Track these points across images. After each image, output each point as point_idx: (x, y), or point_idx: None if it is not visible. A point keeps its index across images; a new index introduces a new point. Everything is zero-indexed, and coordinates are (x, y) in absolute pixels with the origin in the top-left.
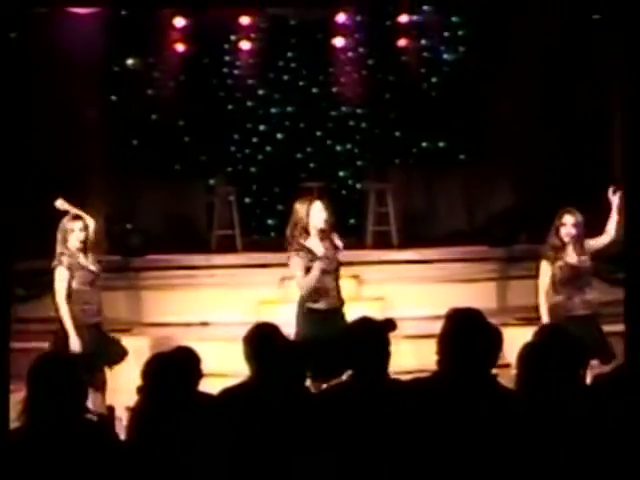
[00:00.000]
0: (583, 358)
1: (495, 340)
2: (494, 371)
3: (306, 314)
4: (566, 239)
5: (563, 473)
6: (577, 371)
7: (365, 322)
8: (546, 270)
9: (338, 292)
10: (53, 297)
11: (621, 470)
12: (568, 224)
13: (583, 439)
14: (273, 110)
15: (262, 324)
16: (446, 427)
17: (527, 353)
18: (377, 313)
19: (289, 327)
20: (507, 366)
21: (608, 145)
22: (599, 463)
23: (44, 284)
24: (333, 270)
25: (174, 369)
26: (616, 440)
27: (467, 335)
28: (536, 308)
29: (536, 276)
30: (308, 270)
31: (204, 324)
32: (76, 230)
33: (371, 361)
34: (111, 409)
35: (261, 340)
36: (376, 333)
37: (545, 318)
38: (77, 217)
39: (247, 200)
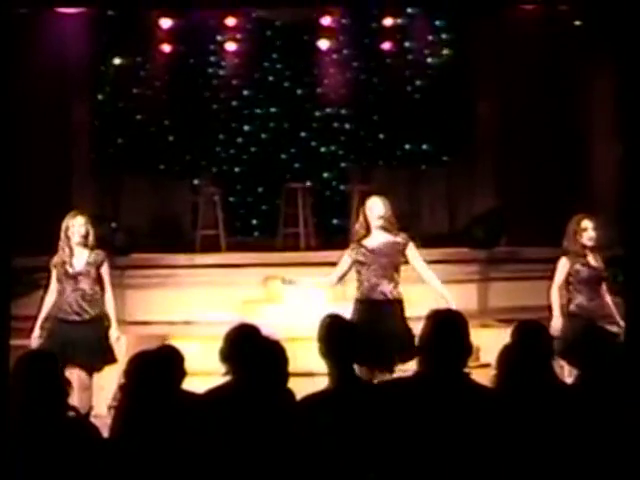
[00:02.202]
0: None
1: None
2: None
3: (353, 303)
4: (589, 243)
5: (542, 470)
6: (550, 368)
7: (333, 319)
8: (565, 266)
9: (381, 286)
10: None
11: (595, 466)
12: (589, 228)
13: (560, 436)
14: (258, 111)
15: (242, 325)
16: (426, 427)
17: (506, 354)
18: None
19: (272, 327)
20: (487, 366)
21: (589, 149)
22: (577, 460)
23: (31, 282)
24: (379, 265)
25: (157, 368)
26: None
27: (447, 336)
28: (516, 309)
29: (517, 278)
30: (362, 264)
31: (188, 323)
32: (76, 225)
33: (341, 358)
34: (91, 408)
35: (242, 341)
36: (345, 330)
37: (557, 314)
38: (78, 213)
39: (231, 200)
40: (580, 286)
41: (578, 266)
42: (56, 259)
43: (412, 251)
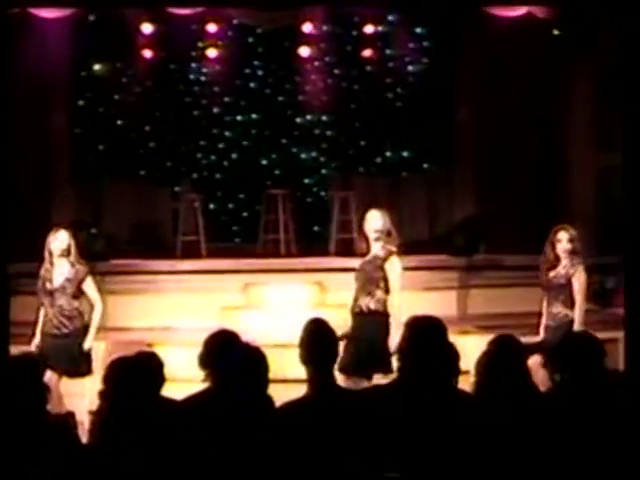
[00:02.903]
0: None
1: (453, 349)
2: None
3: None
4: (562, 255)
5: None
6: (525, 376)
7: (314, 325)
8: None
9: (359, 300)
10: None
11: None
12: (564, 240)
13: (538, 442)
14: (239, 117)
15: (222, 331)
16: (405, 433)
17: (484, 361)
18: (340, 319)
19: (252, 333)
20: (466, 373)
21: (569, 156)
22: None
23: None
24: (360, 280)
25: (137, 374)
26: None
27: (426, 343)
28: (495, 316)
29: (496, 285)
30: (355, 279)
31: (168, 329)
32: (58, 240)
33: (321, 364)
34: (71, 414)
35: (221, 347)
36: (325, 336)
37: (541, 327)
38: (61, 228)
39: (212, 206)
40: (551, 293)
41: (550, 275)
42: (41, 272)
43: (391, 265)
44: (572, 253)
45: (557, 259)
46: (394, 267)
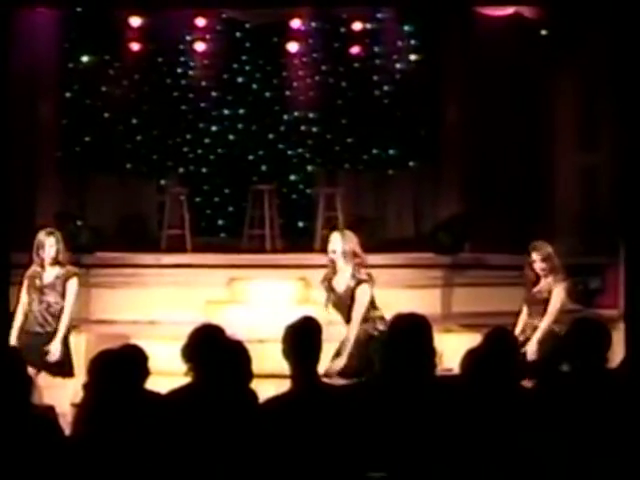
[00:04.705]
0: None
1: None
2: None
3: None
4: (541, 273)
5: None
6: (515, 375)
7: (299, 322)
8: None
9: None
10: None
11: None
12: (537, 260)
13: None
14: (226, 112)
15: (205, 325)
16: (386, 429)
17: (470, 358)
18: (324, 316)
19: (236, 328)
20: (449, 371)
21: (554, 156)
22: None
23: None
24: (344, 308)
25: (121, 367)
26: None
27: (410, 339)
28: (479, 315)
29: (480, 284)
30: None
31: (152, 323)
32: (47, 247)
33: (304, 360)
34: (51, 408)
35: (205, 341)
36: (308, 332)
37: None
38: (51, 233)
39: (198, 200)
40: (533, 308)
41: (533, 290)
42: (29, 272)
43: (361, 293)
44: (551, 271)
45: (537, 277)
46: (362, 297)
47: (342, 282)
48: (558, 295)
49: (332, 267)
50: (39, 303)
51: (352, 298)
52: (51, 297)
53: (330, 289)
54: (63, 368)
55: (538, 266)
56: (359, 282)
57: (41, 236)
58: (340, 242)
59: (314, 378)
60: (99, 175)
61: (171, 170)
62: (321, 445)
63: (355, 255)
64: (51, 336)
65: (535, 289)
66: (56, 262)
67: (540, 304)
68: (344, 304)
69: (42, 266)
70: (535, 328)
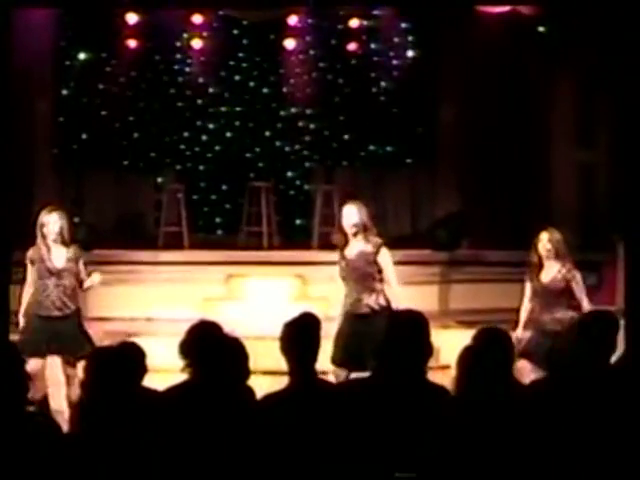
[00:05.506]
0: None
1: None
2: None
3: (341, 315)
4: (543, 254)
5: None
6: (509, 371)
7: (298, 318)
8: (526, 285)
9: (365, 299)
10: None
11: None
12: (544, 240)
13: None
14: (223, 109)
15: (203, 322)
16: (382, 426)
17: (465, 355)
18: (321, 313)
19: (233, 324)
20: (447, 367)
21: (550, 153)
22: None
23: None
24: (356, 279)
25: (118, 364)
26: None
27: (408, 336)
28: (476, 311)
29: (477, 281)
30: (344, 278)
31: (150, 320)
32: (51, 223)
33: (301, 356)
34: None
35: (202, 338)
36: (307, 329)
37: (519, 329)
38: (53, 210)
39: (195, 197)
40: (536, 299)
41: (544, 280)
42: (32, 254)
43: (383, 257)
44: (556, 256)
45: (540, 260)
46: (386, 258)
47: (355, 248)
48: (579, 281)
49: (345, 238)
50: (56, 287)
51: (373, 263)
52: (67, 280)
53: (342, 257)
54: (85, 347)
55: (543, 246)
56: (379, 246)
57: (43, 214)
58: (357, 214)
59: (312, 375)
60: (96, 172)
61: (168, 167)
62: (318, 441)
63: (365, 227)
64: (69, 317)
65: (546, 279)
66: (61, 241)
67: (558, 294)
68: (356, 271)
69: (48, 247)
70: (560, 321)
